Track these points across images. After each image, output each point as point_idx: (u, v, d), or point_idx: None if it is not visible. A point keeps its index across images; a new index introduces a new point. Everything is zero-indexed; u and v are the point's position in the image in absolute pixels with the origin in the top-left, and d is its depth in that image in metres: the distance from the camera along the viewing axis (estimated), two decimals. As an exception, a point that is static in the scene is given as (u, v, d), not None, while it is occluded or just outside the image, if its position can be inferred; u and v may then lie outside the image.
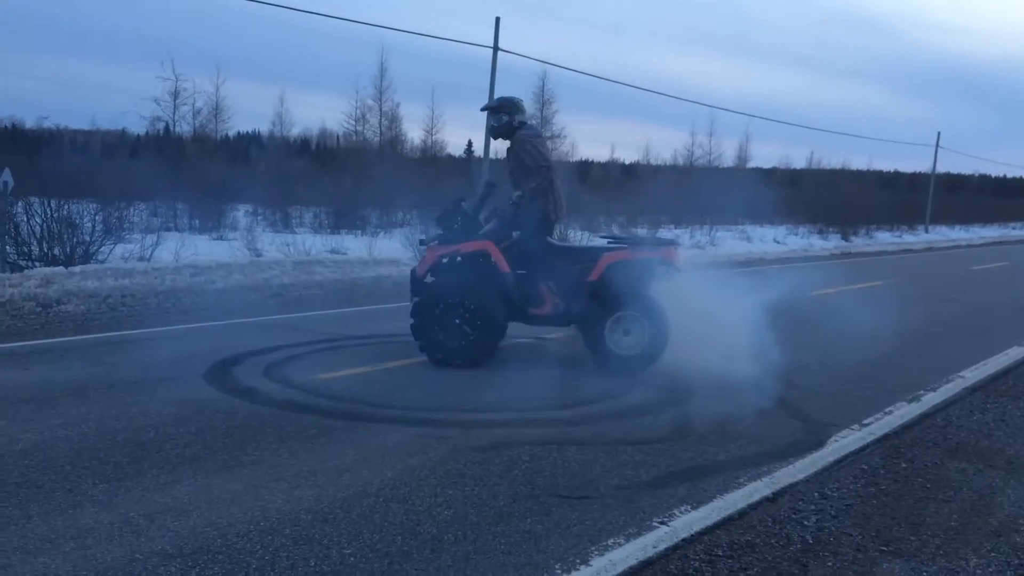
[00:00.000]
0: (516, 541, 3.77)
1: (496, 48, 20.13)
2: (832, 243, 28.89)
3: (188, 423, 5.23)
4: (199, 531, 3.71)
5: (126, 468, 4.43)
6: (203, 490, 4.19)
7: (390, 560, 3.53)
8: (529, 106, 29.20)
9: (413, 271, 7.52)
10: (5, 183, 11.75)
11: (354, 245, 17.59)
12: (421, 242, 7.97)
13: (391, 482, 4.42)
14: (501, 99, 7.78)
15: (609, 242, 7.91)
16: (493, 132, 7.93)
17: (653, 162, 35.07)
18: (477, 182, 19.39)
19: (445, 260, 7.24)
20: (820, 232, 30.89)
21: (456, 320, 7.06)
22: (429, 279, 7.28)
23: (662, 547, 3.78)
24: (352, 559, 3.53)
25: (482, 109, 8.91)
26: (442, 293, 7.13)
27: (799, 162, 41.76)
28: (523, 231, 7.37)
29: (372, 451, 4.89)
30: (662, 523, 4.03)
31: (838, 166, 43.25)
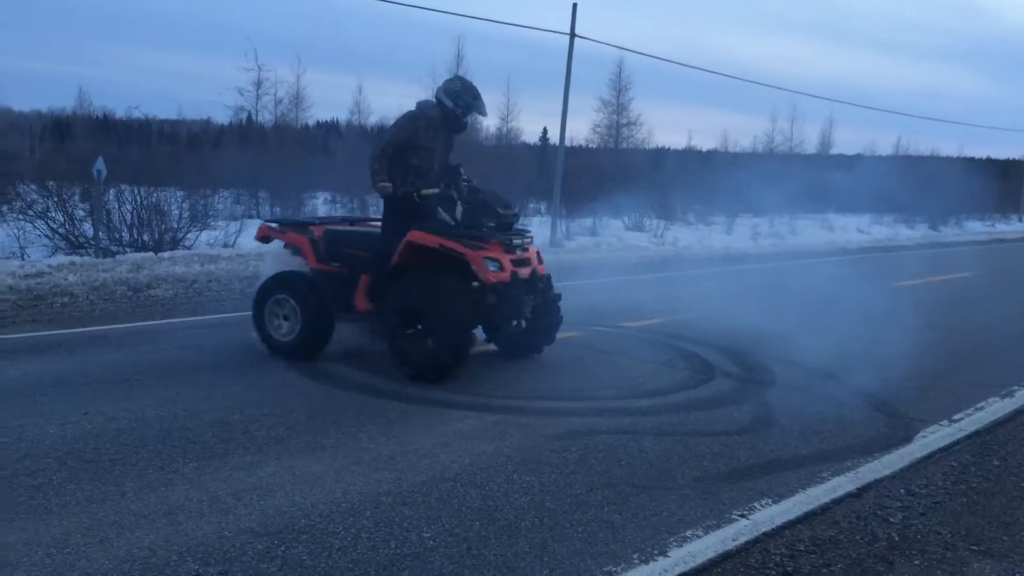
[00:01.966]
0: (593, 529, 3.77)
1: (573, 34, 19.99)
2: (919, 232, 27.94)
3: (271, 405, 5.37)
4: (284, 511, 3.82)
5: (214, 448, 4.58)
6: (287, 471, 4.30)
7: (468, 545, 3.57)
8: (605, 93, 28.67)
9: None
10: (99, 171, 12.22)
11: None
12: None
13: (468, 468, 4.46)
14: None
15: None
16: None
17: (732, 149, 34.45)
18: (553, 170, 19.36)
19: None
20: (907, 221, 29.89)
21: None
22: None
23: (742, 540, 3.72)
24: (431, 542, 3.57)
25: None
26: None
27: (886, 149, 40.40)
28: None
29: (450, 437, 4.94)
30: (742, 516, 3.97)
31: (927, 152, 41.76)
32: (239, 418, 5.10)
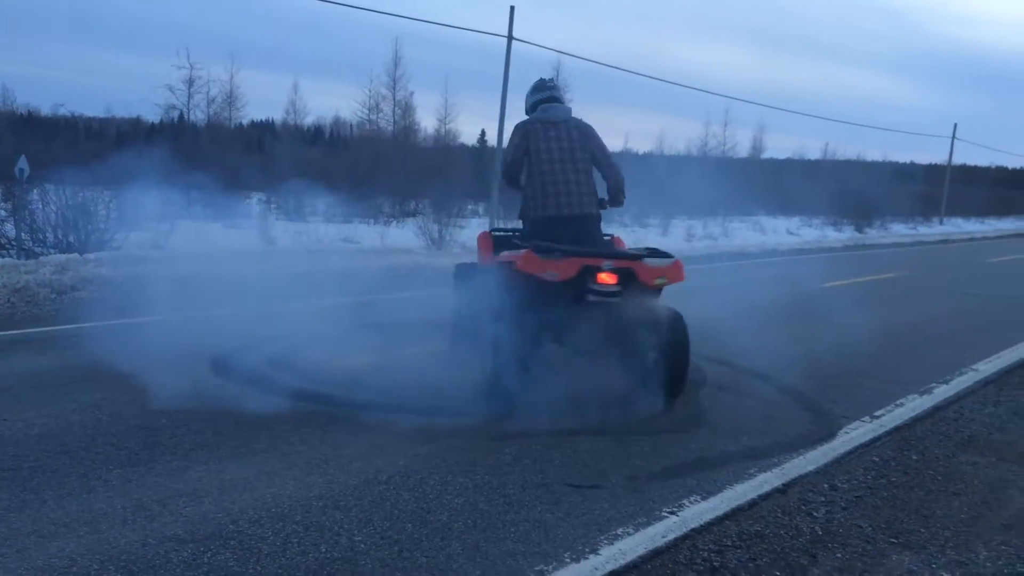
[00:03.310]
0: (526, 529, 3.79)
1: (511, 37, 20.07)
2: (846, 235, 28.74)
3: (200, 410, 5.26)
4: (211, 517, 3.75)
5: (139, 454, 4.47)
6: (215, 476, 4.22)
7: (400, 547, 3.55)
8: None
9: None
10: (21, 170, 11.84)
11: (367, 234, 17.64)
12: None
13: (402, 470, 4.44)
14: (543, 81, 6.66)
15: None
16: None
17: (667, 152, 34.98)
18: (490, 171, 19.40)
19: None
20: (834, 224, 30.72)
21: None
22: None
23: (671, 537, 3.79)
24: (362, 546, 3.55)
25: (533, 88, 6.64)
26: None
27: (814, 153, 41.47)
28: None
29: (383, 439, 4.91)
30: (671, 513, 4.04)
31: (853, 157, 43.01)
32: (166, 423, 4.99)
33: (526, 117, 6.50)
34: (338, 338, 7.68)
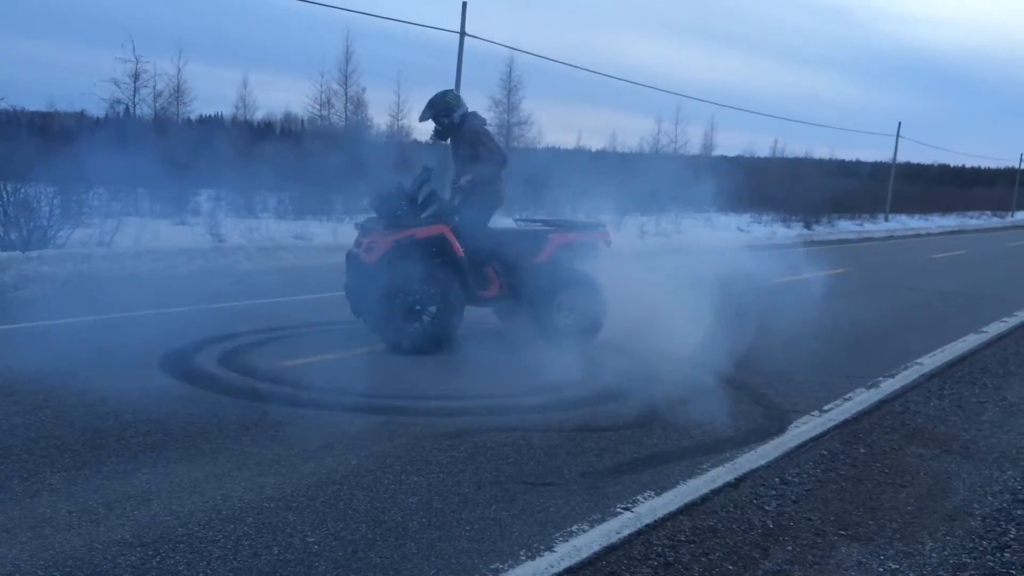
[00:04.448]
0: (481, 528, 3.78)
1: (463, 33, 20.01)
2: (795, 231, 29.20)
3: (148, 411, 5.16)
4: (160, 520, 3.67)
5: (85, 456, 4.36)
6: (164, 478, 4.14)
7: (354, 548, 3.52)
8: (496, 92, 28.88)
9: (354, 256, 7.45)
10: (-41, 165, 11.47)
11: (319, 231, 17.46)
12: (360, 226, 7.73)
13: (355, 470, 4.40)
14: (444, 99, 7.71)
15: (542, 225, 8.35)
16: (441, 134, 7.90)
17: (620, 149, 35.19)
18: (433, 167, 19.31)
19: (402, 244, 7.15)
20: (783, 220, 31.20)
21: (418, 306, 7.13)
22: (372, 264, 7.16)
23: (626, 532, 3.81)
24: (316, 547, 3.51)
25: (424, 119, 7.85)
26: (402, 279, 7.05)
27: (763, 150, 42.06)
28: (466, 216, 7.54)
29: (336, 439, 4.86)
30: (626, 509, 4.06)
31: (801, 155, 43.71)
32: (112, 425, 4.88)
33: (464, 122, 7.77)
34: (288, 337, 7.60)
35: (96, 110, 24.27)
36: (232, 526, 3.65)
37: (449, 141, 7.96)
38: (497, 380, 6.34)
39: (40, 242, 12.34)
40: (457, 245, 7.36)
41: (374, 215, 7.61)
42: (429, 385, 6.17)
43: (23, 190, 12.62)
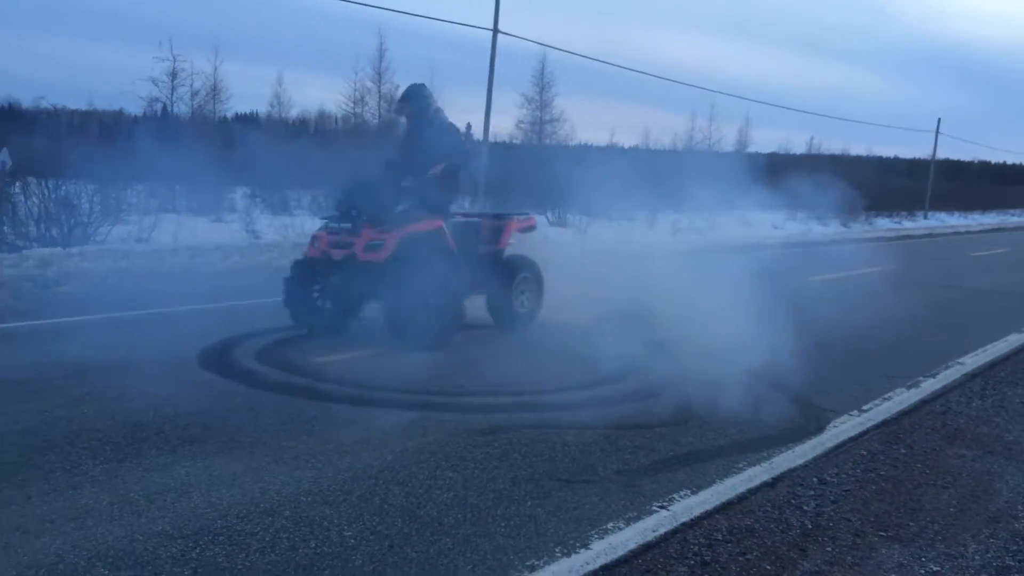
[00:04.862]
0: (516, 524, 3.78)
1: (496, 30, 20.02)
2: (831, 229, 28.88)
3: (187, 405, 5.22)
4: (199, 512, 3.72)
5: (126, 449, 4.43)
6: (203, 471, 4.19)
7: (391, 543, 3.53)
8: (528, 89, 28.85)
9: (351, 257, 7.06)
10: (3, 163, 11.70)
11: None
12: (332, 220, 7.46)
13: (391, 465, 4.42)
14: (423, 92, 7.79)
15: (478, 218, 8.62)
16: (412, 113, 7.78)
17: (653, 146, 35.00)
18: (477, 163, 19.34)
19: (406, 240, 7.04)
20: (819, 218, 30.82)
21: (431, 301, 7.01)
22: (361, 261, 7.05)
23: (662, 531, 3.78)
24: (352, 541, 3.53)
25: (404, 111, 8.00)
26: (415, 274, 6.87)
27: (799, 147, 41.62)
28: (435, 207, 7.53)
29: (371, 434, 4.89)
30: (662, 507, 4.04)
31: (838, 151, 43.20)
32: (152, 418, 4.95)
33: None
34: (322, 333, 7.64)
35: (135, 108, 24.55)
36: (270, 519, 3.68)
37: (408, 132, 7.89)
38: (530, 377, 6.34)
39: (81, 238, 12.55)
40: (450, 238, 7.45)
41: (337, 214, 7.44)
42: (462, 381, 6.17)
43: (64, 187, 12.83)
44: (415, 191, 7.42)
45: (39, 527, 3.47)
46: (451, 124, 7.86)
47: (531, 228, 9.00)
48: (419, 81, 8.00)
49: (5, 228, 11.96)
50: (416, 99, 7.74)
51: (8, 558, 3.20)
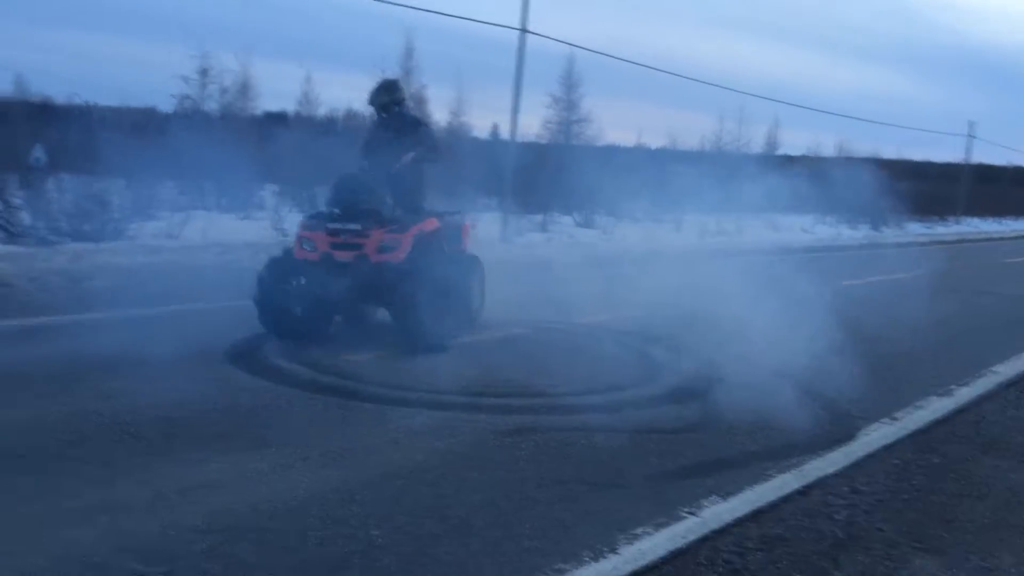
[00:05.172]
0: (544, 527, 3.76)
1: (524, 30, 19.98)
2: (861, 233, 28.59)
3: (216, 401, 5.26)
4: (230, 508, 3.73)
5: (157, 444, 4.46)
6: (232, 468, 4.21)
7: (419, 543, 3.53)
8: (556, 88, 28.76)
9: (363, 258, 6.79)
10: (37, 159, 11.86)
11: (380, 226, 17.59)
12: (328, 219, 7.07)
13: (419, 465, 4.42)
14: (398, 86, 7.79)
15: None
16: (386, 105, 7.56)
17: (680, 148, 34.80)
18: (503, 165, 19.35)
19: (417, 240, 6.97)
20: (849, 222, 30.52)
21: (440, 301, 6.86)
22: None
23: (691, 538, 3.75)
24: (381, 540, 3.53)
25: (379, 102, 7.63)
26: (432, 273, 6.80)
27: (828, 150, 41.15)
28: (412, 205, 7.42)
29: (399, 433, 4.89)
30: (691, 513, 4.00)
31: (868, 154, 42.68)
32: (183, 414, 4.98)
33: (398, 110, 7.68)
34: (351, 331, 7.66)
35: (165, 105, 24.74)
36: (299, 517, 3.69)
37: (381, 125, 7.66)
38: (557, 378, 6.31)
39: (112, 234, 12.69)
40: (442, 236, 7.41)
41: (331, 211, 7.11)
42: (489, 382, 6.15)
43: (96, 183, 12.98)
44: (392, 184, 7.21)
45: (72, 520, 3.50)
46: (420, 118, 7.94)
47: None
48: (391, 78, 8.29)
49: (39, 223, 12.12)
50: (394, 91, 7.64)
51: (41, 550, 3.23)
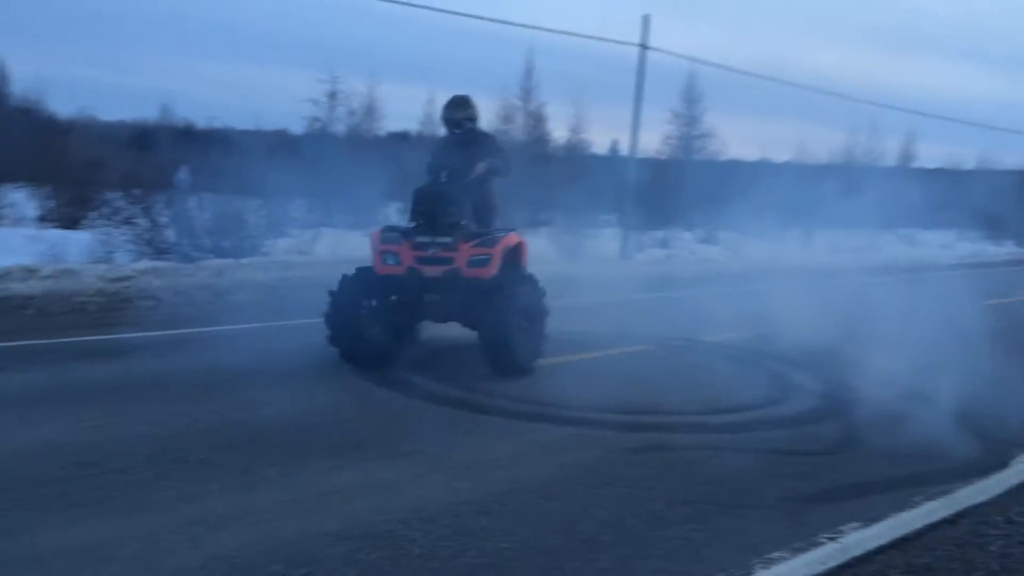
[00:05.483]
0: (675, 547, 3.68)
1: (644, 46, 19.87)
2: (1006, 249, 26.94)
3: (350, 412, 5.43)
4: (364, 516, 3.83)
5: (295, 451, 4.63)
6: (365, 476, 4.32)
7: (548, 557, 3.52)
8: (676, 103, 28.42)
9: (454, 273, 6.46)
10: (182, 180, 12.60)
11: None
12: (397, 230, 6.85)
13: (545, 479, 4.42)
14: (471, 103, 7.25)
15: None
16: (459, 122, 7.12)
17: (808, 162, 33.73)
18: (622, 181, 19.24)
19: (505, 254, 6.63)
20: (992, 237, 28.81)
21: (527, 321, 6.57)
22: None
23: (832, 564, 3.59)
24: (509, 554, 3.54)
25: (455, 117, 7.18)
26: (521, 290, 6.55)
27: (969, 163, 38.98)
28: (486, 217, 7.04)
29: (526, 447, 4.91)
30: (830, 539, 3.83)
31: (1014, 167, 40.17)
32: (319, 422, 5.16)
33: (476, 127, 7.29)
34: (477, 345, 7.73)
35: (296, 128, 25.78)
36: (430, 526, 3.75)
37: (455, 141, 7.15)
38: (684, 396, 6.20)
39: (249, 250, 13.33)
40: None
41: (412, 225, 6.76)
42: (614, 398, 6.08)
43: (234, 202, 13.68)
44: (468, 198, 6.80)
45: (220, 522, 3.67)
46: (490, 134, 7.55)
47: None
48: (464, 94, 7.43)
49: (183, 240, 12.86)
50: (467, 107, 7.19)
51: (195, 549, 3.40)
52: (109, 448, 4.49)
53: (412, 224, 6.76)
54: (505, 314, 6.32)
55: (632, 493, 4.29)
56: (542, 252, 15.81)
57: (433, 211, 6.58)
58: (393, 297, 6.67)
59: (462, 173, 6.77)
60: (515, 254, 6.87)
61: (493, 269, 6.48)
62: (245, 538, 3.53)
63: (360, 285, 6.62)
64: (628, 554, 3.60)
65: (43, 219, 17.21)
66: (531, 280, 6.79)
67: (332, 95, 25.70)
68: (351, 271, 6.80)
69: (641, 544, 3.71)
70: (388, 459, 4.59)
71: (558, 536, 3.74)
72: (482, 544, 3.61)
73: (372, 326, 6.58)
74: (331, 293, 6.63)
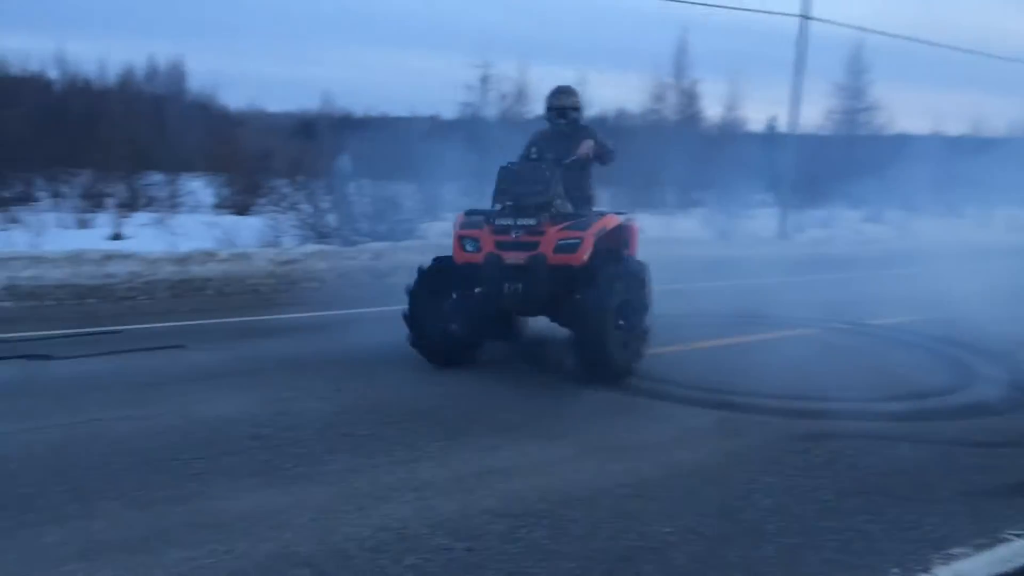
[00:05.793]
0: (846, 539, 3.53)
1: (805, 16, 19.00)
2: None
3: (506, 392, 5.51)
4: (522, 494, 3.88)
5: (455, 430, 4.75)
6: (523, 456, 4.38)
7: (709, 543, 3.45)
8: (839, 76, 27.16)
9: (539, 260, 5.71)
10: (343, 167, 13.14)
11: (651, 224, 17.55)
12: (479, 213, 6.17)
13: (704, 464, 4.34)
14: (576, 93, 6.71)
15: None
16: (565, 110, 6.54)
17: (984, 135, 31.33)
18: (780, 159, 18.55)
19: (599, 240, 5.89)
20: None
21: (625, 317, 5.81)
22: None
23: (1019, 563, 3.35)
24: (671, 538, 3.49)
25: (563, 104, 6.59)
26: (617, 280, 5.75)
27: None
28: (583, 199, 6.37)
29: (685, 431, 4.83)
30: (1017, 536, 3.57)
31: None
32: (478, 402, 5.27)
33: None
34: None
35: (449, 113, 26.35)
36: (589, 508, 3.75)
37: (561, 129, 6.54)
38: (852, 382, 5.92)
39: (405, 234, 13.76)
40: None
41: (499, 208, 6.00)
42: (775, 384, 5.87)
43: (390, 187, 14.15)
44: (564, 178, 6.05)
45: (386, 495, 3.82)
46: (592, 126, 6.78)
47: None
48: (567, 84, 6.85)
49: (343, 225, 13.43)
50: (573, 95, 6.63)
51: (363, 519, 3.55)
52: (282, 422, 4.76)
53: (497, 207, 6.03)
54: (597, 309, 5.55)
55: (798, 482, 4.13)
56: (694, 234, 15.51)
57: (518, 190, 5.86)
58: (477, 289, 6.05)
59: (561, 158, 6.19)
60: (615, 238, 6.17)
61: (584, 255, 5.70)
62: (410, 511, 3.65)
63: (438, 279, 6.18)
64: (796, 544, 3.48)
65: (218, 206, 18.49)
66: (633, 268, 6.02)
67: (484, 79, 26.09)
68: (428, 262, 6.36)
69: (810, 534, 3.57)
70: (544, 440, 4.62)
71: (720, 522, 3.66)
72: (642, 528, 3.58)
73: (452, 322, 6.12)
74: (407, 290, 6.19)
